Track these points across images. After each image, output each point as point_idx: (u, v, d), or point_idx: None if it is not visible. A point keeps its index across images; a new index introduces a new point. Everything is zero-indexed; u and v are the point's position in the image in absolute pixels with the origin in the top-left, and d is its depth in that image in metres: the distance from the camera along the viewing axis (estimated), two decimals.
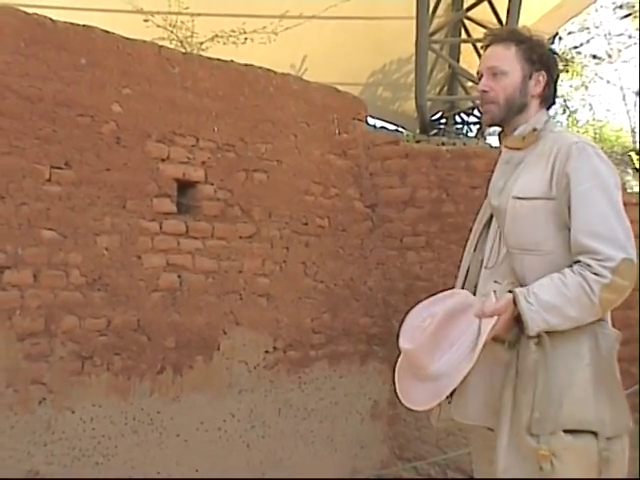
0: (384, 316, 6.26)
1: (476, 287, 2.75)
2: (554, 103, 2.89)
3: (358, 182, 6.27)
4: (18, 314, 4.35)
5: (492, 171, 3.04)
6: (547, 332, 2.50)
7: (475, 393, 2.64)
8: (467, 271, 2.84)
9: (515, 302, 2.50)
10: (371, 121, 9.18)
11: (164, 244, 5.02)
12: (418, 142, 8.02)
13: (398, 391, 2.71)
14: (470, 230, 2.97)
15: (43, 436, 4.45)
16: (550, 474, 2.44)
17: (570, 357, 2.53)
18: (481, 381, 2.62)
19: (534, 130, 2.76)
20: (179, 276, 5.08)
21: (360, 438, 6.14)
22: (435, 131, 10.81)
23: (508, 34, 2.85)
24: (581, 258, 2.51)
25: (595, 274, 2.47)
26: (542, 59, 2.79)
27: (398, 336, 2.68)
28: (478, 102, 2.86)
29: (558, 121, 18.29)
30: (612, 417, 2.53)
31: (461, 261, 2.95)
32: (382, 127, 10.38)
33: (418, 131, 10.52)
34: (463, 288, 2.80)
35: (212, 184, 5.29)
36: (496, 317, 2.50)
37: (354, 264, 6.16)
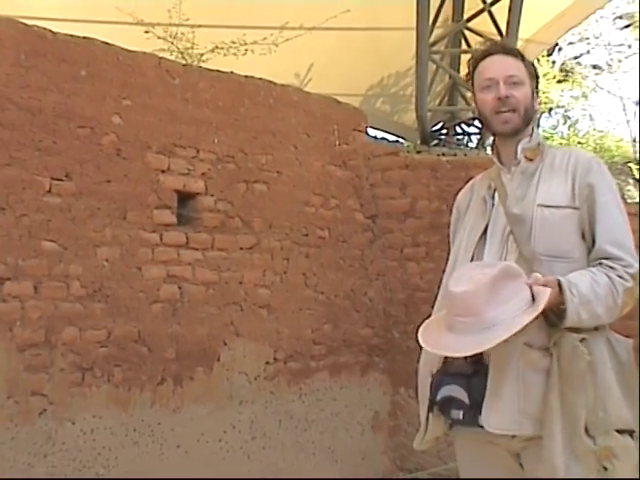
0: (385, 327, 6.25)
1: None
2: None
3: (358, 193, 6.28)
4: (19, 325, 4.35)
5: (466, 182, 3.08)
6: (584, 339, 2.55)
7: (510, 402, 2.61)
8: None
9: (560, 288, 2.53)
10: (371, 132, 9.21)
11: (164, 255, 5.02)
12: (418, 153, 8.04)
13: (427, 345, 2.62)
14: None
15: (44, 447, 4.44)
16: (612, 472, 2.48)
17: (599, 362, 2.58)
18: (515, 389, 2.60)
19: (538, 144, 2.83)
20: (179, 287, 5.08)
21: (361, 449, 6.13)
22: (436, 142, 10.81)
23: (512, 47, 2.94)
24: (603, 262, 2.61)
25: (619, 277, 2.58)
26: (537, 77, 2.89)
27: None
28: (492, 109, 2.79)
29: (559, 131, 18.33)
30: (635, 417, 2.60)
31: (441, 277, 2.97)
32: (382, 138, 10.40)
33: (419, 142, 10.54)
34: None
35: (212, 195, 5.30)
36: (549, 288, 2.50)
37: (354, 275, 6.16)
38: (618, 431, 2.53)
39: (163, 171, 5.06)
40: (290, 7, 9.35)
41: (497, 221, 2.80)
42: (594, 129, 18.40)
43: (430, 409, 2.77)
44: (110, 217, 4.78)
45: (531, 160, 2.80)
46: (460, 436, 2.78)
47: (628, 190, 14.79)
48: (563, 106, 17.89)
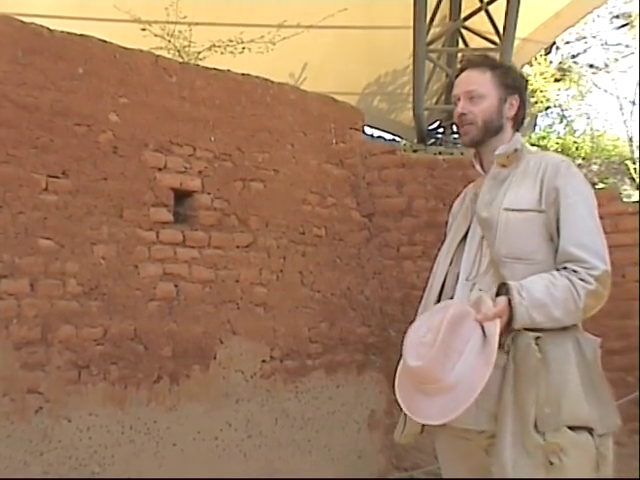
0: (381, 325, 6.25)
1: (452, 299, 2.82)
2: (523, 124, 3.03)
3: (355, 192, 6.28)
4: (15, 323, 4.35)
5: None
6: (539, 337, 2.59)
7: None
8: (442, 284, 2.90)
9: (509, 298, 2.57)
10: (368, 130, 9.23)
11: (161, 253, 5.02)
12: (415, 151, 8.05)
13: (406, 410, 2.67)
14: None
15: (40, 445, 4.44)
16: (559, 468, 2.53)
17: (560, 360, 2.62)
18: None
19: (515, 150, 2.89)
20: (176, 285, 5.08)
21: (357, 447, 6.13)
22: (432, 140, 10.82)
23: (482, 60, 2.98)
24: (567, 265, 2.65)
25: (581, 280, 2.62)
26: (515, 83, 2.95)
27: (400, 353, 2.65)
28: (457, 124, 2.95)
29: (555, 130, 18.32)
30: (602, 415, 2.63)
31: (429, 277, 3.02)
32: (379, 137, 10.43)
33: (415, 140, 10.55)
34: (439, 301, 2.86)
35: (209, 193, 5.29)
36: (498, 319, 2.54)
37: (351, 273, 6.16)
38: (571, 428, 2.56)
39: (160, 169, 5.05)
40: (287, 5, 9.37)
41: (476, 226, 2.89)
42: (591, 128, 18.37)
43: None
44: (107, 215, 4.78)
45: (504, 166, 2.88)
46: (439, 432, 2.85)
47: (625, 189, 14.78)
48: (560, 105, 17.88)
